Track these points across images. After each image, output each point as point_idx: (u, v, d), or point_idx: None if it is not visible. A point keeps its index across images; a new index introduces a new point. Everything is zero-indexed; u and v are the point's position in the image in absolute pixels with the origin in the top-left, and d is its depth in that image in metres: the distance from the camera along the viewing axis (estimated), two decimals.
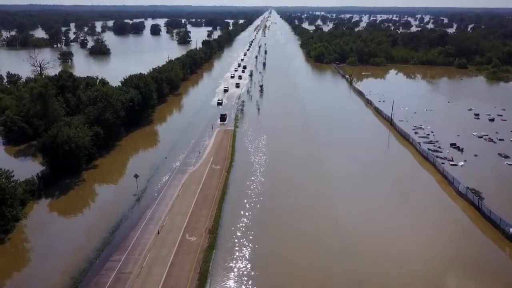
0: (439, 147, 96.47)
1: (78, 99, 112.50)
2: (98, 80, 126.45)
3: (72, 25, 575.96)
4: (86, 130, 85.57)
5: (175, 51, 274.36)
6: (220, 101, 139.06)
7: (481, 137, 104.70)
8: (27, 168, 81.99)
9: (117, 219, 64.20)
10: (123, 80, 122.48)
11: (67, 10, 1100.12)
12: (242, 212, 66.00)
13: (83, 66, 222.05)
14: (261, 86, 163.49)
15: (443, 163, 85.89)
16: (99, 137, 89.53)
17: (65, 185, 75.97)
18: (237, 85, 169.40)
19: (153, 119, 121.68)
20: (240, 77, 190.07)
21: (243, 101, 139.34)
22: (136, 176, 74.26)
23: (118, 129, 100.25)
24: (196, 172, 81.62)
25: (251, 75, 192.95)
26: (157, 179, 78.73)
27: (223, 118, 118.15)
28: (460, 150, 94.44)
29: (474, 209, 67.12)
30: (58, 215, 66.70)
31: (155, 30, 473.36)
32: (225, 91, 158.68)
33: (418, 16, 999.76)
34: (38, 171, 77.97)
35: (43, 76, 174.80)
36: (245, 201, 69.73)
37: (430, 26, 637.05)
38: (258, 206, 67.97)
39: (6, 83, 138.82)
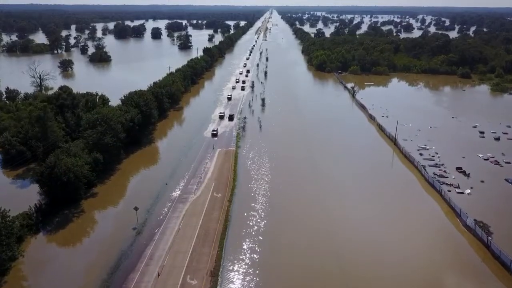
0: (445, 171, 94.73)
1: (77, 118, 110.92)
2: (97, 97, 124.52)
3: (73, 27, 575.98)
4: (85, 157, 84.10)
5: (176, 58, 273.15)
6: (222, 114, 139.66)
7: (487, 159, 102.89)
8: (25, 196, 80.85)
9: (116, 257, 62.66)
10: (123, 98, 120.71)
11: (68, 10, 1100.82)
12: (243, 251, 64.37)
13: (83, 76, 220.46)
14: (263, 100, 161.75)
15: (449, 191, 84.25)
16: (98, 163, 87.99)
17: (63, 216, 74.47)
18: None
19: (153, 137, 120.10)
20: (243, 86, 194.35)
21: (244, 118, 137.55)
22: (136, 208, 72.76)
23: (118, 152, 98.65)
24: (197, 201, 79.98)
25: (252, 86, 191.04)
26: (157, 209, 77.15)
27: (214, 133, 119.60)
28: (466, 175, 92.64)
29: (483, 247, 65.34)
30: (56, 251, 65.15)
31: (156, 34, 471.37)
32: (228, 99, 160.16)
33: (420, 17, 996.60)
34: (36, 199, 76.69)
35: (43, 88, 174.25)
36: (247, 240, 67.94)
37: (432, 28, 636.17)
38: (259, 248, 66.21)
39: (5, 99, 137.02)
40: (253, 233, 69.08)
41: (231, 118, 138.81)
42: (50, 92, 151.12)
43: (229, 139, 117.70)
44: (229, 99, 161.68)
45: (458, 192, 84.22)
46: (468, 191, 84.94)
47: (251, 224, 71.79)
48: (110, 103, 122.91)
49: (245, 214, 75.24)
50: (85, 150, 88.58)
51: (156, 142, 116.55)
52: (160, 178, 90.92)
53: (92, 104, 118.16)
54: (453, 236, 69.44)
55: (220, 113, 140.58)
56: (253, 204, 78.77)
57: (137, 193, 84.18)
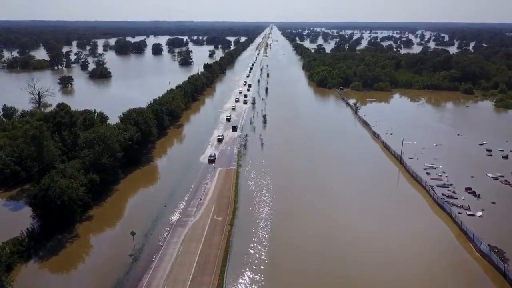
0: (454, 192, 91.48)
1: (74, 136, 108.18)
2: (96, 114, 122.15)
3: (74, 43, 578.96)
4: (81, 179, 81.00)
5: (176, 74, 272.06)
6: (220, 137, 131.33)
7: (496, 179, 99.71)
8: (17, 219, 77.79)
9: (112, 286, 59.26)
10: (122, 116, 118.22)
11: (70, 26, 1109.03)
12: (245, 282, 60.77)
13: (82, 93, 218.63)
14: (264, 116, 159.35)
15: (459, 213, 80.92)
16: (95, 184, 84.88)
17: (57, 241, 71.06)
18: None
19: (153, 155, 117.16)
20: (245, 99, 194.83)
21: (246, 135, 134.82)
22: (133, 233, 69.40)
23: (116, 172, 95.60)
24: (197, 225, 76.56)
25: (253, 102, 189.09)
26: (155, 234, 73.75)
27: (212, 159, 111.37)
28: (477, 196, 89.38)
29: (500, 275, 61.72)
30: (47, 279, 61.76)
31: (157, 50, 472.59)
32: (228, 119, 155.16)
33: (419, 32, 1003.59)
34: (29, 223, 73.44)
35: (41, 105, 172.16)
36: (249, 269, 64.38)
37: (432, 43, 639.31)
38: (262, 277, 62.59)
39: (2, 117, 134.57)
40: (256, 261, 65.43)
41: (234, 129, 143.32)
42: (48, 109, 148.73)
43: (230, 158, 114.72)
44: (228, 120, 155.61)
45: (469, 215, 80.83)
46: (480, 213, 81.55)
47: (252, 252, 68.17)
48: (109, 121, 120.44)
49: (247, 239, 71.70)
50: (81, 171, 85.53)
51: (155, 161, 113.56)
52: (158, 200, 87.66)
53: (90, 122, 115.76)
54: (467, 263, 65.86)
55: (219, 136, 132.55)
56: (255, 229, 75.32)
57: (135, 216, 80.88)
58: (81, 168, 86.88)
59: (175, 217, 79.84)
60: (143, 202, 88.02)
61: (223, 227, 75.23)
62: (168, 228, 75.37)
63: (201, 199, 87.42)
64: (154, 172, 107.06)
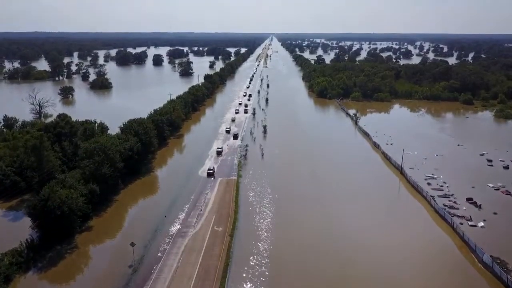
0: (455, 202, 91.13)
1: (75, 147, 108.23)
2: (96, 125, 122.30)
3: (76, 54, 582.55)
4: (81, 189, 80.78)
5: (177, 85, 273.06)
6: (219, 150, 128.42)
7: (497, 189, 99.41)
8: (17, 229, 77.36)
9: None
10: (122, 126, 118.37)
11: (71, 37, 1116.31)
12: None
13: (83, 103, 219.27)
14: (264, 127, 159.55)
15: (461, 223, 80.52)
16: (95, 194, 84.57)
17: (56, 252, 70.56)
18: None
19: (153, 166, 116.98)
20: (245, 109, 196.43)
21: (246, 145, 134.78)
22: (132, 244, 68.94)
23: (116, 182, 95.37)
24: (197, 235, 76.09)
25: (254, 113, 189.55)
26: (155, 244, 73.23)
27: (211, 173, 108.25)
28: (478, 206, 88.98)
29: (503, 286, 61.12)
30: None
31: (157, 61, 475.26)
32: (227, 131, 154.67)
33: (417, 43, 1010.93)
34: (28, 234, 72.99)
35: (42, 116, 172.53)
36: (249, 281, 63.82)
37: (431, 54, 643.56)
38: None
39: (2, 127, 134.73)
40: (256, 273, 64.83)
41: (235, 137, 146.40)
42: (49, 120, 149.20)
43: (230, 168, 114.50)
44: (228, 131, 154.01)
45: (471, 225, 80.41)
46: (481, 224, 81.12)
47: (253, 263, 67.62)
48: (109, 131, 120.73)
49: (247, 251, 71.18)
50: (81, 181, 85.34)
51: (156, 172, 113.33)
52: (158, 210, 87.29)
53: (91, 132, 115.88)
54: (469, 274, 65.29)
55: (218, 148, 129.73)
56: (255, 240, 74.82)
57: (135, 226, 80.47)
58: (81, 178, 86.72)
59: (175, 227, 79.36)
60: (143, 212, 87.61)
61: (224, 238, 74.75)
62: (168, 239, 74.86)
63: (201, 210, 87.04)
64: (154, 182, 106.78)
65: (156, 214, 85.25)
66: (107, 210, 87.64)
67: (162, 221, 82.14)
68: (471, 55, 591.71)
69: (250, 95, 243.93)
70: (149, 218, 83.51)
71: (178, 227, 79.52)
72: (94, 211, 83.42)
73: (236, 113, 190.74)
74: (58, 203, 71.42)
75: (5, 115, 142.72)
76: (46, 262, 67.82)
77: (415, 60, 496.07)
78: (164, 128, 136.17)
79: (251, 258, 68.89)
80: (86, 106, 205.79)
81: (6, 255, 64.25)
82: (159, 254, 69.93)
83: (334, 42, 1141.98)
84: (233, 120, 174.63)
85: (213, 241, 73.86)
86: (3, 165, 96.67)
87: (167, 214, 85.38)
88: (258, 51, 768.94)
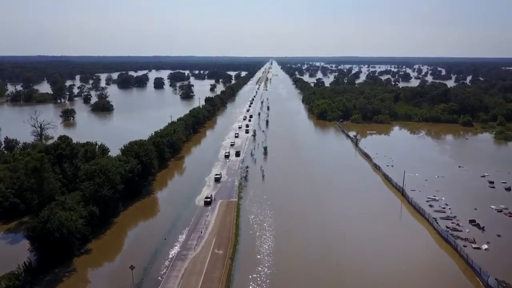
0: (458, 225, 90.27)
1: (75, 168, 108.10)
2: (97, 146, 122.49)
3: (78, 77, 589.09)
4: (80, 211, 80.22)
5: (178, 108, 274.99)
6: (218, 176, 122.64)
7: (500, 211, 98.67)
8: (15, 252, 76.47)
9: None
10: (123, 148, 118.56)
11: (74, 61, 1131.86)
12: None
13: (84, 125, 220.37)
14: (265, 148, 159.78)
15: (465, 246, 79.54)
16: (94, 217, 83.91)
17: (54, 276, 69.44)
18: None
19: (153, 188, 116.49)
20: (246, 129, 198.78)
21: (247, 167, 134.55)
22: (132, 267, 67.83)
23: (116, 205, 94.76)
24: (197, 258, 75.03)
25: (254, 134, 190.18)
26: (155, 268, 72.14)
27: (208, 201, 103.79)
28: (481, 228, 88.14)
29: None
30: None
31: (159, 84, 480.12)
32: (226, 156, 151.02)
33: (416, 66, 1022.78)
34: (26, 257, 72.04)
35: (43, 138, 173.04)
36: None
37: (429, 77, 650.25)
38: None
39: (3, 149, 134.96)
40: None
41: (237, 154, 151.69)
42: (50, 142, 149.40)
43: (230, 190, 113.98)
44: (227, 156, 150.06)
45: (475, 248, 79.41)
46: (485, 246, 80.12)
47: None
48: (110, 153, 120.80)
49: (248, 274, 70.06)
50: (81, 203, 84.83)
51: (156, 194, 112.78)
52: (158, 233, 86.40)
53: (92, 154, 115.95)
54: None
55: (216, 174, 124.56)
56: (256, 264, 73.75)
57: (134, 249, 79.50)
58: (81, 200, 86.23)
59: (175, 250, 78.39)
60: (143, 235, 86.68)
61: (224, 261, 73.69)
62: (167, 262, 73.83)
63: (201, 232, 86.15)
64: (154, 204, 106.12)
65: (156, 237, 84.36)
66: (106, 232, 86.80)
67: (162, 244, 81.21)
68: (469, 78, 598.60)
69: (250, 117, 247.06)
70: (149, 241, 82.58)
71: (178, 249, 78.56)
72: (93, 234, 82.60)
73: (236, 137, 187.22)
74: (57, 225, 70.83)
75: (6, 137, 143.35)
76: (43, 286, 66.67)
77: (414, 83, 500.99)
78: (165, 149, 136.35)
79: (251, 283, 67.70)
80: (87, 128, 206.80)
81: (3, 279, 63.16)
82: (159, 277, 68.81)
83: (333, 65, 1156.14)
84: (232, 145, 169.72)
85: (213, 264, 72.81)
86: (2, 187, 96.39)
87: (167, 236, 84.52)
88: (258, 74, 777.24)
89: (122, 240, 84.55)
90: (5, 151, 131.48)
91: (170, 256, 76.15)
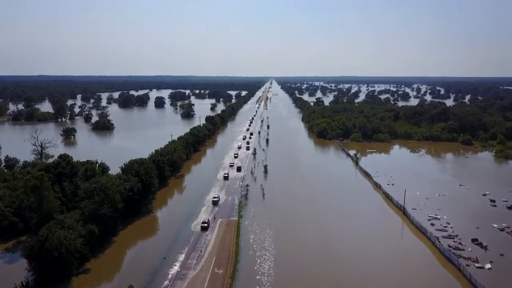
0: (460, 243, 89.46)
1: (75, 187, 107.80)
2: (97, 165, 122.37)
3: (79, 96, 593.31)
4: (79, 230, 79.61)
5: (178, 126, 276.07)
6: (215, 200, 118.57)
7: (502, 229, 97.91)
8: (12, 272, 75.54)
9: None
10: (123, 166, 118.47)
11: (76, 80, 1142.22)
12: None
13: (85, 144, 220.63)
14: (265, 167, 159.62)
15: (467, 265, 78.61)
16: (93, 235, 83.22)
17: None
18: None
19: (153, 206, 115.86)
20: (247, 146, 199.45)
21: (247, 185, 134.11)
22: (131, 287, 66.93)
23: (116, 223, 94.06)
24: (197, 278, 74.08)
25: (254, 153, 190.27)
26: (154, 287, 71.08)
27: (205, 226, 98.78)
28: (484, 247, 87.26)
29: None
30: None
31: (159, 103, 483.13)
32: (225, 178, 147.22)
33: (415, 86, 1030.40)
34: (24, 276, 71.12)
35: (43, 156, 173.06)
36: None
37: (428, 96, 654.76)
38: None
39: (3, 168, 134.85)
40: None
41: (239, 169, 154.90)
42: (50, 160, 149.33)
43: (231, 208, 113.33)
44: (226, 178, 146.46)
45: (478, 267, 78.48)
46: (488, 265, 79.20)
47: None
48: (110, 171, 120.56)
49: None
50: (80, 222, 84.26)
51: (156, 212, 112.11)
52: (158, 252, 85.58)
53: (92, 172, 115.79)
54: None
55: (214, 197, 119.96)
56: (256, 284, 72.83)
57: (133, 268, 78.56)
58: (80, 218, 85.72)
59: (174, 270, 77.45)
60: (142, 254, 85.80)
61: (224, 281, 72.73)
62: (167, 282, 72.85)
63: (201, 251, 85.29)
64: (154, 223, 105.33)
65: (155, 256, 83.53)
66: (105, 251, 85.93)
67: (161, 263, 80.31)
68: (467, 97, 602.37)
69: (251, 134, 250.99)
70: (148, 260, 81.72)
71: (178, 269, 77.66)
72: (92, 253, 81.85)
73: (236, 157, 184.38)
74: (56, 244, 70.25)
75: (7, 155, 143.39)
76: None
77: (413, 102, 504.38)
78: (165, 168, 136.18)
79: None
80: (87, 147, 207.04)
81: None
82: None
83: (333, 84, 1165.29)
84: (231, 166, 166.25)
85: (213, 283, 71.85)
86: (1, 205, 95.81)
87: (166, 255, 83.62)
88: (258, 93, 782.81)
89: (121, 259, 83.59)
90: (5, 170, 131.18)
91: (170, 275, 75.20)
